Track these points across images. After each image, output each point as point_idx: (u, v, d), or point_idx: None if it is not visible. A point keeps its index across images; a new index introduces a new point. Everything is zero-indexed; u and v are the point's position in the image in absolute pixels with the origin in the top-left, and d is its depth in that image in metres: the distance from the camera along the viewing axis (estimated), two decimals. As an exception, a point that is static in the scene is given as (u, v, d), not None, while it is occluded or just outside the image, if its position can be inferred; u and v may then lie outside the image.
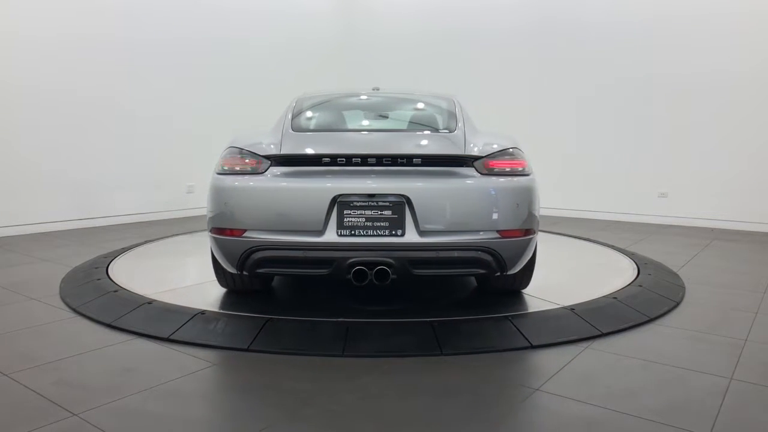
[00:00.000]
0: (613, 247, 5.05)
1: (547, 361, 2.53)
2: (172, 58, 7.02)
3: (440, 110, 3.54)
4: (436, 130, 3.37)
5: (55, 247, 5.12)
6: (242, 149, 2.99)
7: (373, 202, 2.78)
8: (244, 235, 2.82)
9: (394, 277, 2.75)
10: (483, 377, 2.36)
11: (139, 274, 3.89)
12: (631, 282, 3.70)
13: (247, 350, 2.62)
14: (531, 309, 3.09)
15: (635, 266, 4.17)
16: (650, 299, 3.38)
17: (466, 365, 2.48)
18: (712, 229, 6.52)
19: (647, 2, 6.97)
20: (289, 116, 3.33)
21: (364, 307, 3.17)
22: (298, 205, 2.80)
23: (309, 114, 3.57)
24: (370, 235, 2.76)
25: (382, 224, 2.77)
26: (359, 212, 2.77)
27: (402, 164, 2.83)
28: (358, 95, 3.97)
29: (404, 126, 3.62)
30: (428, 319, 2.87)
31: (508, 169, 2.92)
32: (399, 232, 2.76)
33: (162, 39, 6.90)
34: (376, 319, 2.94)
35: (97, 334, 2.88)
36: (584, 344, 2.72)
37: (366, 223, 2.77)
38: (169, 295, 3.35)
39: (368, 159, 2.82)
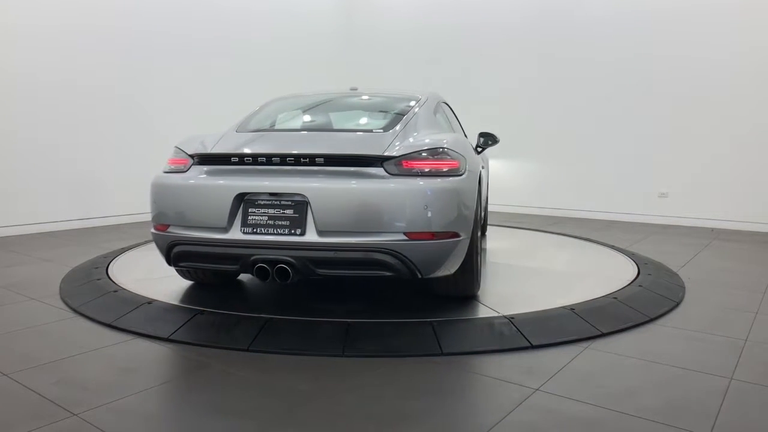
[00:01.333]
0: (613, 247, 5.05)
1: (547, 361, 2.53)
2: (173, 57, 7.02)
3: (390, 111, 3.52)
4: (370, 130, 3.36)
5: (55, 247, 5.12)
6: (178, 148, 3.18)
7: (276, 201, 2.82)
8: (168, 230, 2.99)
9: (297, 276, 2.77)
10: (483, 377, 2.36)
11: (139, 274, 3.89)
12: (631, 282, 3.70)
13: (247, 350, 2.62)
14: (531, 309, 3.09)
15: (635, 266, 4.17)
16: (650, 299, 3.38)
17: (466, 365, 2.48)
18: (712, 229, 6.52)
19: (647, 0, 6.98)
20: (245, 117, 3.49)
21: (364, 308, 3.16)
22: (206, 203, 2.90)
23: (263, 115, 3.67)
24: (272, 234, 2.79)
25: (283, 223, 2.80)
26: (263, 211, 2.83)
27: (305, 164, 2.83)
28: (325, 97, 3.98)
29: (343, 126, 3.58)
30: (428, 319, 2.87)
31: (427, 170, 2.81)
32: (299, 231, 2.77)
33: (163, 38, 6.89)
34: (376, 319, 2.94)
35: (97, 334, 2.88)
36: (584, 344, 2.72)
37: (269, 222, 2.81)
38: (169, 295, 3.35)
39: (273, 158, 2.84)
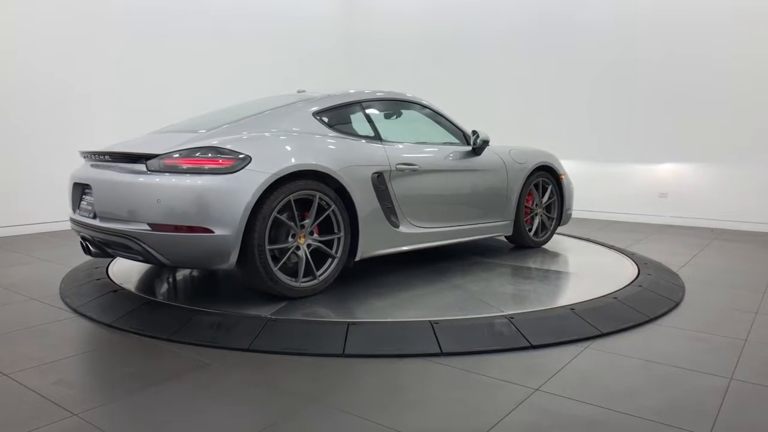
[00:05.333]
0: (613, 247, 5.06)
1: (547, 361, 2.53)
2: (173, 59, 7.02)
3: (249, 114, 3.54)
4: (195, 130, 3.43)
5: (55, 247, 5.13)
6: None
7: (87, 189, 3.30)
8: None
9: (98, 252, 3.30)
10: (483, 377, 2.36)
11: (139, 274, 3.89)
12: (631, 282, 3.70)
13: (247, 350, 2.62)
14: (531, 309, 3.09)
15: (635, 266, 4.17)
16: (650, 299, 3.38)
17: (466, 365, 2.48)
18: (712, 229, 6.52)
19: (646, 2, 6.97)
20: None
21: (364, 307, 3.16)
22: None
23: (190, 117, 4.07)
24: (84, 216, 3.33)
25: (88, 207, 3.30)
26: (87, 197, 3.35)
27: (101, 160, 3.29)
28: (250, 102, 4.08)
29: (196, 128, 3.52)
30: (428, 319, 2.87)
31: (185, 167, 2.95)
32: (92, 215, 3.23)
33: (163, 41, 6.90)
34: (376, 319, 2.94)
35: (97, 334, 2.88)
36: (584, 344, 2.72)
37: (85, 206, 3.35)
38: (169, 295, 3.34)
39: (95, 155, 3.34)
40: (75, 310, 3.20)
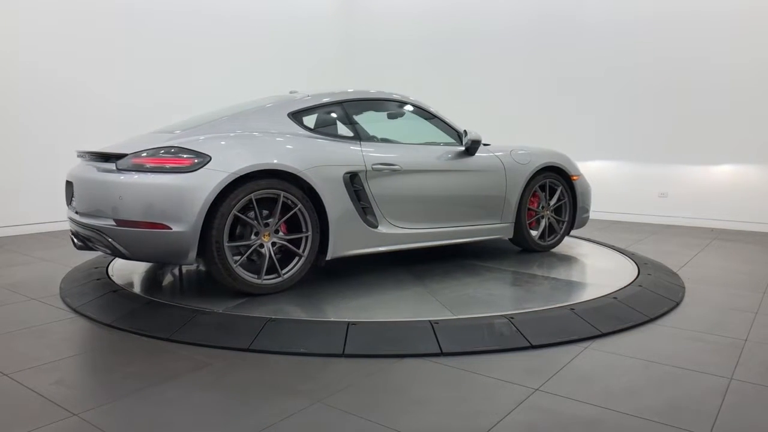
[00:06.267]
0: (613, 247, 5.06)
1: (547, 361, 2.53)
2: (173, 61, 7.01)
3: (227, 114, 3.62)
4: (173, 131, 3.53)
5: (55, 247, 5.13)
6: None
7: (72, 186, 3.44)
8: None
9: (83, 245, 3.40)
10: (483, 377, 2.36)
11: (139, 274, 3.89)
12: (631, 282, 3.70)
13: (247, 350, 2.62)
14: (531, 309, 3.09)
15: (635, 266, 4.17)
16: (650, 299, 3.38)
17: (466, 365, 2.48)
18: (712, 229, 6.52)
19: (646, 2, 6.97)
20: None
21: (364, 307, 3.16)
22: None
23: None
24: (71, 212, 3.47)
25: (74, 204, 3.40)
26: (75, 194, 3.42)
27: (87, 158, 3.41)
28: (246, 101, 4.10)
29: (184, 128, 3.60)
30: (428, 319, 2.87)
31: (148, 166, 3.08)
32: (75, 211, 3.37)
33: (163, 42, 6.89)
34: (376, 319, 2.94)
35: (97, 334, 2.88)
36: (584, 344, 2.72)
37: (74, 203, 3.43)
38: (169, 294, 3.35)
39: (80, 154, 3.49)
40: (75, 310, 3.20)
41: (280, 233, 3.33)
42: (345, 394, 2.18)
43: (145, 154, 3.11)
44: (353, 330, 2.75)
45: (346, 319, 2.89)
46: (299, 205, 3.31)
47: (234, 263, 3.14)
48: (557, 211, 4.72)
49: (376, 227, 3.65)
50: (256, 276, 3.24)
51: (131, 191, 3.04)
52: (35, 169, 5.86)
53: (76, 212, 3.34)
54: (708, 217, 6.72)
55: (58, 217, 5.98)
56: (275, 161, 3.23)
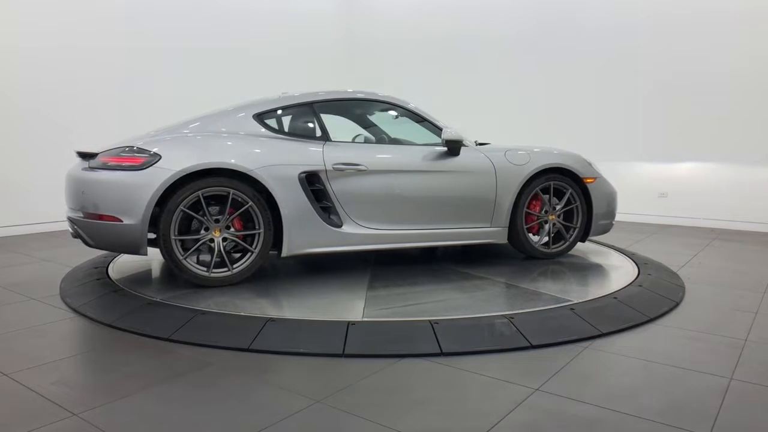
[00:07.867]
0: (613, 247, 5.06)
1: (547, 361, 2.53)
2: (174, 59, 7.02)
3: (198, 117, 3.81)
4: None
5: (55, 247, 5.13)
6: None
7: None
8: None
9: (76, 235, 3.57)
10: (483, 377, 2.36)
11: (139, 274, 3.89)
12: (631, 282, 3.70)
13: (247, 350, 2.62)
14: (531, 309, 3.09)
15: (635, 266, 4.17)
16: (650, 299, 3.38)
17: (466, 365, 2.48)
18: (712, 229, 6.52)
19: (646, 4, 6.98)
20: None
21: (364, 307, 3.16)
22: None
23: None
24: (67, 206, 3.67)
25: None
26: None
27: (79, 158, 3.61)
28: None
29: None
30: (428, 319, 2.87)
31: (111, 164, 3.37)
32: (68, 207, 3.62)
33: (163, 41, 6.89)
34: (376, 319, 2.94)
35: (97, 334, 2.88)
36: (584, 344, 2.72)
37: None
38: (169, 294, 3.35)
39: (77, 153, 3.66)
40: (75, 310, 3.20)
41: (232, 229, 3.49)
42: (345, 394, 2.18)
43: (108, 154, 3.40)
44: (353, 330, 2.75)
45: (347, 319, 2.89)
46: (250, 203, 3.44)
47: (182, 256, 3.36)
48: (568, 216, 4.42)
49: (340, 227, 3.67)
50: (205, 269, 3.43)
51: (92, 187, 3.36)
52: (35, 169, 5.86)
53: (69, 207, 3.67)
54: (708, 217, 6.72)
55: (58, 217, 5.98)
56: (223, 160, 3.39)
